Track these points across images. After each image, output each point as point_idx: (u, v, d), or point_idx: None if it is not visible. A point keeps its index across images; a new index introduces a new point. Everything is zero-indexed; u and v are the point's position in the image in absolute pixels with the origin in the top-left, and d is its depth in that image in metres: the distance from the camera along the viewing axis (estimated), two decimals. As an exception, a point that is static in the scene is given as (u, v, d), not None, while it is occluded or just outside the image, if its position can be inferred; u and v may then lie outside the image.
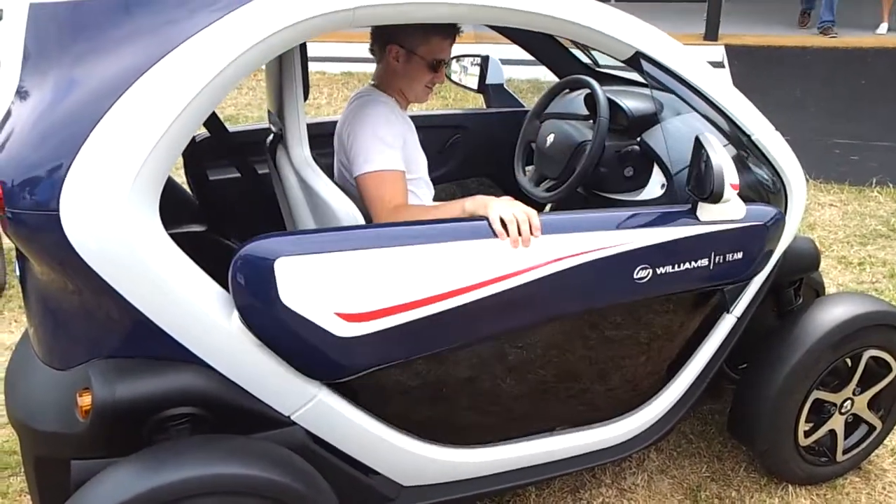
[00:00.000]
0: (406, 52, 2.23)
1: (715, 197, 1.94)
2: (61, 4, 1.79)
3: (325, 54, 7.71)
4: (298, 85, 2.08)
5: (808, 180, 4.93)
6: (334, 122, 2.41)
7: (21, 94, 1.72)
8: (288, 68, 2.07)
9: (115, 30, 1.70)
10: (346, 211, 2.00)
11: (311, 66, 2.49)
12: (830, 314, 2.41)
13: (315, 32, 1.78)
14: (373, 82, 2.36)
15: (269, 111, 2.35)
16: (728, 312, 2.33)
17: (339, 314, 1.79)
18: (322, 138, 2.44)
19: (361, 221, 2.01)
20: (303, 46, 2.10)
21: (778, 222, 2.21)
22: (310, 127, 2.15)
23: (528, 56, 3.06)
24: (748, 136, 2.17)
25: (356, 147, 2.16)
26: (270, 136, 2.36)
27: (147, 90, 1.65)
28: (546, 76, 3.22)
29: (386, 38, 2.25)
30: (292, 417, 1.92)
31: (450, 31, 2.26)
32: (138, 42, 1.68)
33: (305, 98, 2.16)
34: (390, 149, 2.15)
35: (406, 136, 2.24)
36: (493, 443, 2.21)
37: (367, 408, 2.00)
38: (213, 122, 2.55)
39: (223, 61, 1.67)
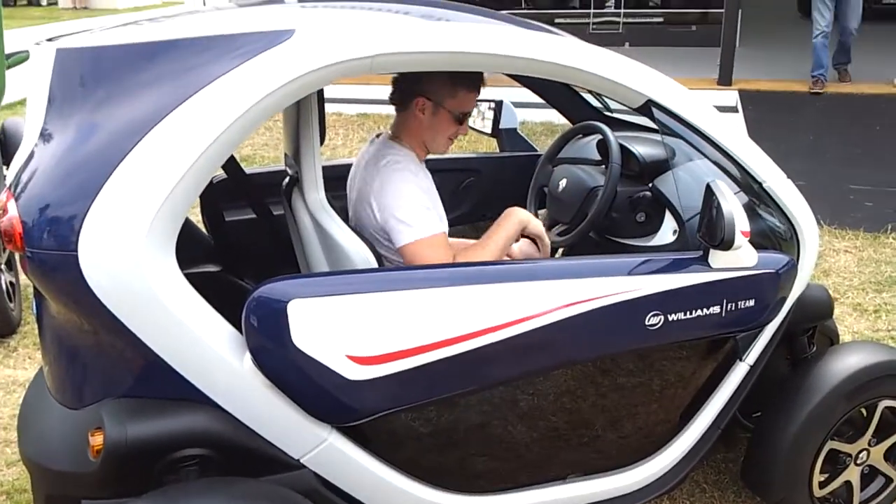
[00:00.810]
0: (433, 104, 2.20)
1: (726, 244, 1.94)
2: (86, 50, 1.85)
3: (341, 96, 7.82)
4: (315, 129, 2.11)
5: (822, 226, 4.95)
6: (349, 165, 2.44)
7: (45, 136, 1.76)
8: (305, 112, 2.10)
9: (138, 75, 1.74)
10: (360, 254, 2.01)
11: (328, 108, 2.52)
12: (845, 363, 2.39)
13: (334, 78, 1.81)
14: (391, 132, 2.32)
15: (285, 154, 2.38)
16: (741, 360, 2.32)
17: (350, 357, 1.79)
18: (337, 181, 2.47)
19: (374, 265, 2.03)
20: (320, 91, 2.14)
21: (790, 270, 2.21)
22: (325, 169, 2.18)
23: (540, 99, 3.10)
24: (759, 184, 2.18)
25: (393, 218, 2.10)
26: (286, 179, 2.40)
27: (167, 133, 1.68)
28: (559, 119, 3.26)
29: (412, 90, 2.21)
30: (302, 461, 1.91)
31: (476, 84, 2.24)
32: (160, 87, 1.72)
33: (322, 142, 2.19)
34: (429, 211, 2.12)
35: (434, 190, 2.22)
36: (504, 490, 2.19)
37: (377, 453, 1.99)
38: (230, 163, 2.59)
39: (242, 106, 1.70)
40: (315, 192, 2.13)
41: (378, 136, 2.35)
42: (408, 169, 2.16)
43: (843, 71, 7.84)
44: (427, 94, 2.20)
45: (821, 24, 7.28)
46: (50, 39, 1.90)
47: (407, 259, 2.11)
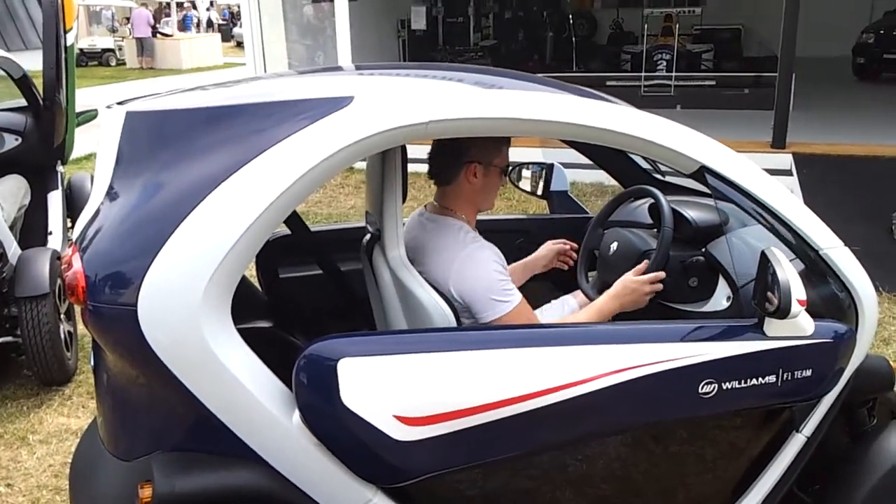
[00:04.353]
0: (484, 166, 2.24)
1: (782, 313, 1.91)
2: (154, 113, 1.93)
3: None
4: (398, 188, 2.13)
5: (882, 293, 4.80)
6: None
7: (111, 194, 1.83)
8: (389, 171, 2.12)
9: (203, 138, 1.81)
10: (440, 311, 2.03)
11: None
12: (908, 437, 2.30)
13: (391, 143, 1.86)
14: (438, 205, 2.31)
15: (366, 212, 2.42)
16: (797, 431, 2.25)
17: (397, 417, 1.79)
18: None
19: (454, 322, 2.04)
20: (403, 151, 2.16)
21: (848, 339, 2.15)
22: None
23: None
24: (816, 251, 2.15)
25: (486, 299, 2.12)
26: (367, 237, 2.43)
27: (228, 194, 1.73)
28: (610, 180, 3.27)
29: (460, 160, 2.23)
30: None
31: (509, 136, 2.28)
32: (223, 150, 1.78)
33: (404, 200, 2.20)
34: (509, 282, 2.15)
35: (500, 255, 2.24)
36: (549, 558, 2.14)
37: None
38: (294, 220, 2.64)
39: (302, 169, 1.75)
40: (396, 249, 2.14)
41: (425, 209, 2.35)
42: (481, 247, 2.18)
43: None
44: (477, 158, 2.23)
45: None
46: (120, 102, 1.99)
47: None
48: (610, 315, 2.28)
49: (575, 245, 2.71)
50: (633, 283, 2.29)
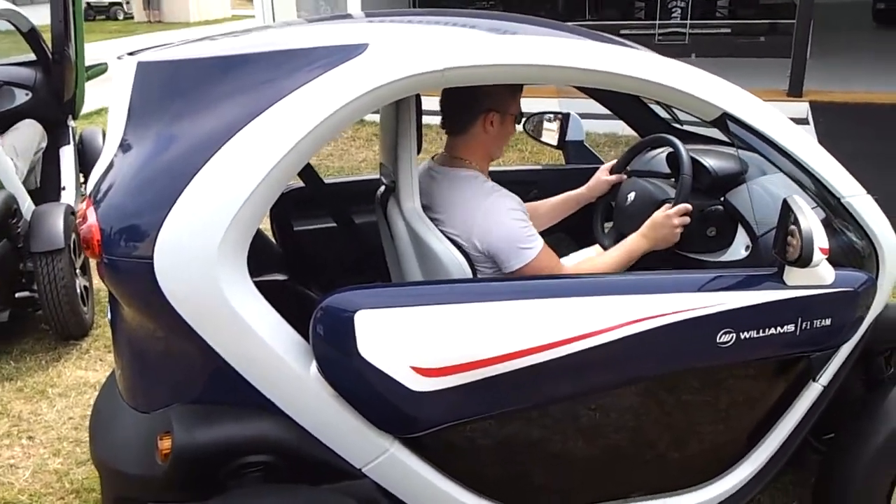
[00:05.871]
0: (500, 115, 2.19)
1: (804, 261, 1.88)
2: (165, 63, 1.90)
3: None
4: (413, 139, 2.10)
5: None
6: None
7: (124, 147, 1.81)
8: (404, 123, 2.09)
9: (215, 88, 1.78)
10: (455, 262, 2.02)
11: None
12: (925, 387, 2.29)
13: (406, 92, 1.83)
14: (450, 154, 2.26)
15: (381, 164, 2.39)
16: (814, 380, 2.24)
17: (414, 368, 1.79)
18: None
19: (469, 274, 2.03)
20: (418, 101, 2.13)
21: (869, 288, 2.13)
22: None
23: (604, 110, 3.07)
24: (838, 199, 2.11)
25: (514, 247, 2.08)
26: (381, 189, 2.40)
27: (242, 145, 1.71)
28: (623, 130, 3.23)
29: (482, 108, 2.17)
30: (363, 470, 1.92)
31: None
32: (236, 99, 1.75)
33: (419, 152, 2.17)
34: (530, 227, 2.12)
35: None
36: (565, 507, 2.17)
37: (438, 464, 1.98)
38: (308, 173, 2.61)
39: (317, 119, 1.72)
40: (411, 201, 2.13)
41: (433, 161, 2.31)
42: (501, 196, 2.14)
43: None
44: (494, 107, 2.19)
45: None
46: (131, 53, 1.95)
47: (529, 274, 2.09)
48: (640, 254, 2.27)
49: (624, 177, 2.66)
50: (661, 217, 2.27)
